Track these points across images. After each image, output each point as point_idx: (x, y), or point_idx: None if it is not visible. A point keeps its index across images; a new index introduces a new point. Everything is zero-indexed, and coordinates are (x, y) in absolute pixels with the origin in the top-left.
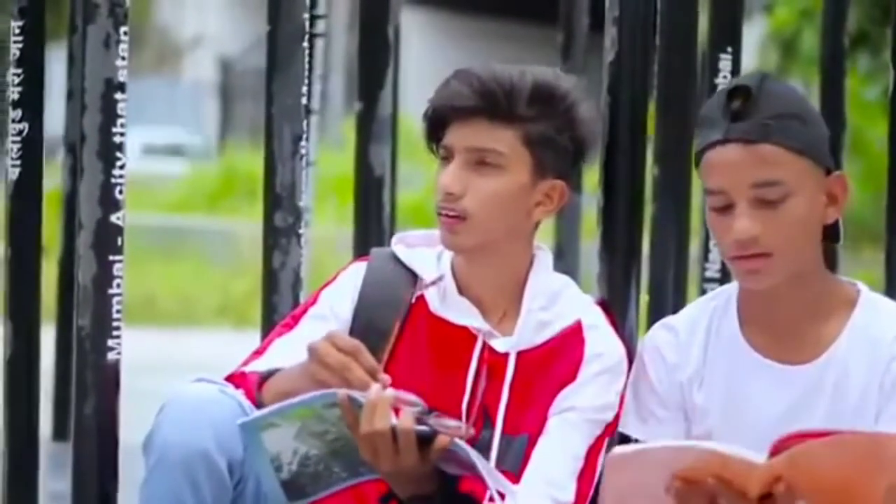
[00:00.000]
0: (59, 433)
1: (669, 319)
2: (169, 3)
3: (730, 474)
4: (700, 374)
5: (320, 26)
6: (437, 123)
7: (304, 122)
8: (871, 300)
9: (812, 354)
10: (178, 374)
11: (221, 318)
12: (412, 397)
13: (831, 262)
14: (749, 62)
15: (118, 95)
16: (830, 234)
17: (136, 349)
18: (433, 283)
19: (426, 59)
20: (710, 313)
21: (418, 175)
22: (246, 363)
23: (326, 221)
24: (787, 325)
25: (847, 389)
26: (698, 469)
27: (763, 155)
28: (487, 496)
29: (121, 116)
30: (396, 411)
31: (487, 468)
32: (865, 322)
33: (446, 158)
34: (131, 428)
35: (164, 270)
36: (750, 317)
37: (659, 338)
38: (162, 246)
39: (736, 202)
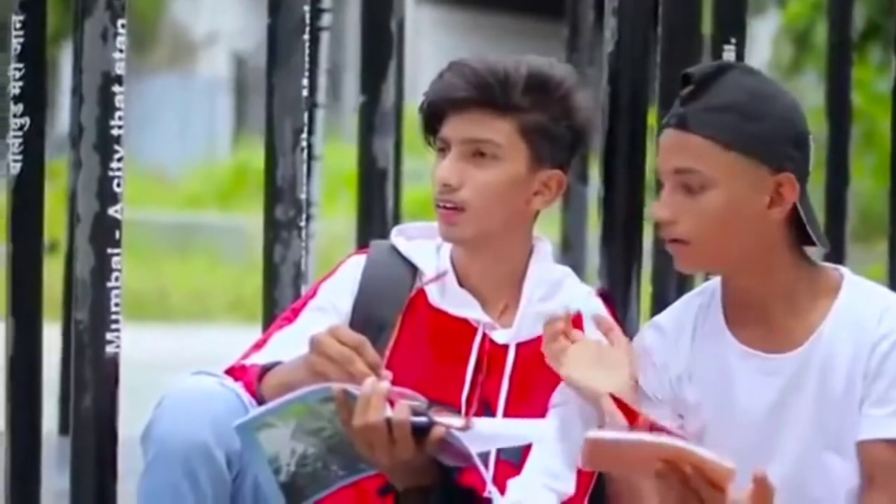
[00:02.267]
0: (65, 428)
1: (657, 319)
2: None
3: (706, 469)
4: (689, 370)
5: (325, 20)
6: (434, 116)
7: (306, 115)
8: (854, 283)
9: (797, 342)
10: (191, 369)
11: (234, 314)
12: (409, 392)
13: (839, 254)
14: (763, 56)
15: (116, 88)
16: (803, 239)
17: (148, 345)
18: (436, 278)
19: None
20: (695, 310)
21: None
22: (246, 356)
23: (338, 215)
24: (769, 316)
25: (833, 373)
26: (678, 458)
27: (687, 143)
28: (487, 489)
29: (118, 109)
30: (392, 404)
31: (479, 463)
32: (849, 304)
33: (443, 150)
34: (143, 423)
35: (176, 266)
36: (733, 309)
37: (647, 339)
38: (175, 241)
39: (664, 184)
